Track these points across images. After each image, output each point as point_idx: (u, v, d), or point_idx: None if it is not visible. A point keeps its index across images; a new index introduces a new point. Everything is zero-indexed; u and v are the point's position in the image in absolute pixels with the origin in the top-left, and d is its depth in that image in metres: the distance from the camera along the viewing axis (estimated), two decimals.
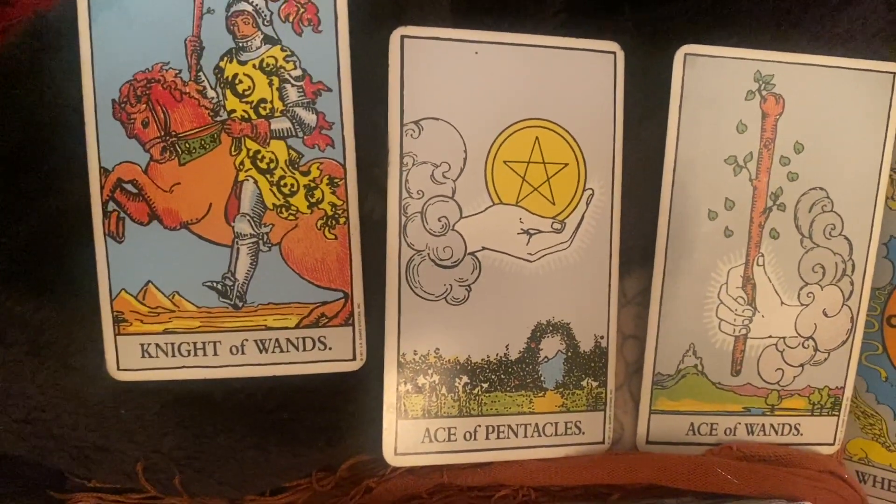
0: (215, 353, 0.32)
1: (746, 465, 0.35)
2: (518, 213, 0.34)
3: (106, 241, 0.31)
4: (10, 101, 0.31)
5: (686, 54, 0.34)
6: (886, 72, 0.36)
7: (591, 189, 0.34)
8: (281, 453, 0.33)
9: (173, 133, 0.30)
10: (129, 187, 0.31)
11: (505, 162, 0.33)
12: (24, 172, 0.32)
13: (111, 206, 0.31)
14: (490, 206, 0.33)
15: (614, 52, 0.34)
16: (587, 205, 0.34)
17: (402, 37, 0.32)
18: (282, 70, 0.30)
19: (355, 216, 0.31)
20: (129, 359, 0.31)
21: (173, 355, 0.31)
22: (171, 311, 0.31)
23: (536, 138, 0.34)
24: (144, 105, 0.30)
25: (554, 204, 0.34)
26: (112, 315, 0.31)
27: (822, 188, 0.36)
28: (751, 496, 0.34)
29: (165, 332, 0.31)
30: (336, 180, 0.31)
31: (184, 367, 0.32)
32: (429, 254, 0.33)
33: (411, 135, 0.32)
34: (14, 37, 0.31)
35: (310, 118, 0.31)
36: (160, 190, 0.31)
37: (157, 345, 0.31)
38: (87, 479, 0.34)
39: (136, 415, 0.33)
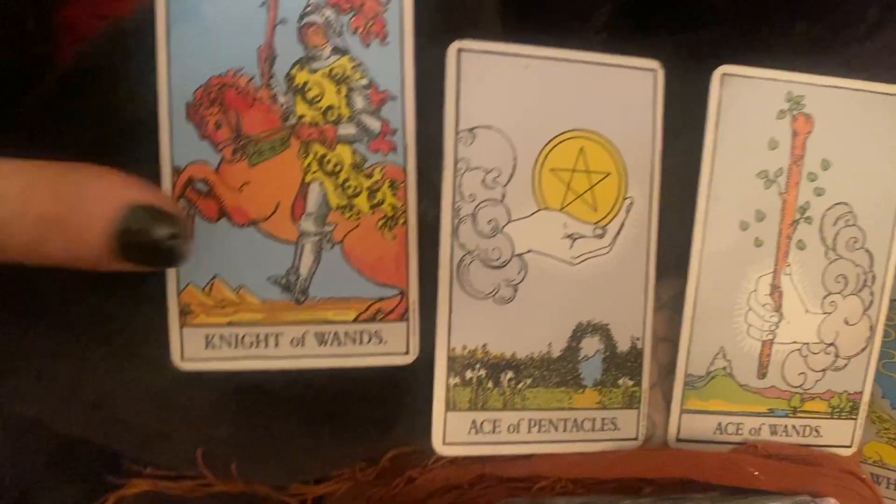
0: (276, 345, 0.33)
1: (773, 462, 0.37)
2: (563, 218, 0.36)
3: None
4: (87, 101, 0.33)
5: (723, 74, 0.37)
6: None
7: (630, 198, 0.37)
8: (333, 442, 0.35)
9: (245, 136, 0.32)
10: (200, 186, 0.33)
11: (551, 170, 0.36)
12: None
13: (182, 202, 0.33)
14: (537, 211, 0.36)
15: (655, 70, 0.37)
16: (627, 212, 0.37)
17: (459, 50, 0.34)
18: (350, 79, 0.32)
19: (413, 218, 0.33)
20: (193, 349, 0.33)
21: (236, 346, 0.33)
22: (236, 305, 0.33)
23: (581, 148, 0.36)
24: (218, 108, 0.32)
25: (596, 211, 0.36)
26: (179, 307, 0.33)
27: (846, 203, 0.38)
28: (777, 492, 0.36)
29: (230, 324, 0.33)
30: (397, 183, 0.33)
31: (246, 357, 0.33)
32: (479, 254, 0.35)
33: (465, 142, 0.35)
34: (93, 40, 0.34)
35: (374, 125, 0.33)
36: (230, 189, 0.33)
37: (222, 336, 0.33)
38: (146, 464, 0.36)
39: (195, 403, 0.35)
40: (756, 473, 0.36)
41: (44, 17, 0.36)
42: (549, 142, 0.35)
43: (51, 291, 0.33)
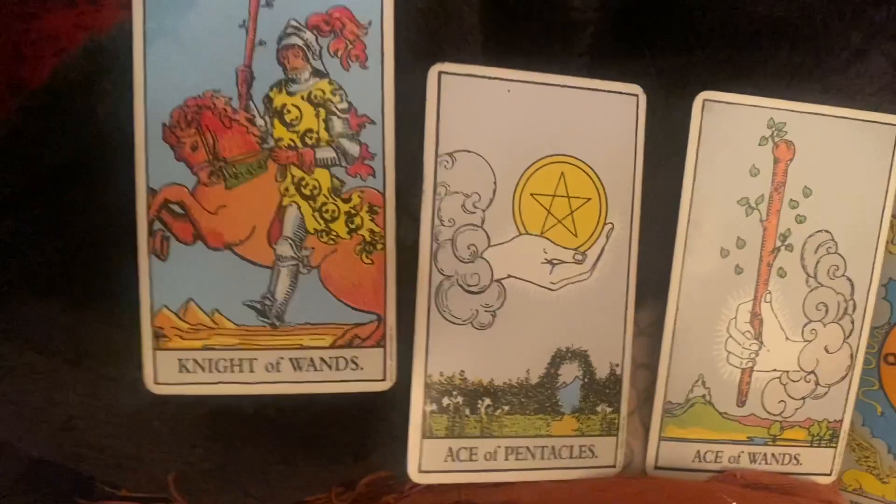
0: (251, 370, 0.33)
1: (751, 491, 0.37)
2: (543, 243, 0.36)
3: (150, 259, 0.33)
4: (62, 119, 0.33)
5: (704, 100, 0.37)
6: (889, 124, 0.38)
7: (611, 223, 0.37)
8: (308, 468, 0.35)
9: (221, 158, 0.32)
10: (175, 208, 0.32)
11: (532, 195, 0.36)
12: (70, 187, 0.34)
13: (157, 225, 0.32)
14: (517, 236, 0.36)
15: (637, 95, 0.37)
16: (607, 238, 0.37)
17: (440, 73, 0.34)
18: (329, 102, 0.32)
19: (392, 243, 0.33)
20: (166, 373, 0.33)
21: (210, 371, 0.33)
22: (210, 329, 0.33)
23: (562, 173, 0.36)
24: (194, 130, 0.32)
25: (576, 236, 0.36)
26: (152, 330, 0.33)
27: (827, 231, 0.39)
28: None
29: (204, 348, 0.33)
30: (375, 208, 0.33)
31: (220, 382, 0.33)
32: (457, 279, 0.35)
33: (445, 166, 0.34)
34: (69, 57, 0.33)
35: (353, 149, 0.33)
36: (206, 212, 0.32)
37: (196, 360, 0.33)
38: (118, 487, 0.36)
39: (168, 426, 0.34)
40: (732, 502, 0.36)
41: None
42: (530, 166, 0.35)
43: (23, 311, 0.33)
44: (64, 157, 0.33)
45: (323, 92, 0.32)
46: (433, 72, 0.34)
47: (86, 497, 0.36)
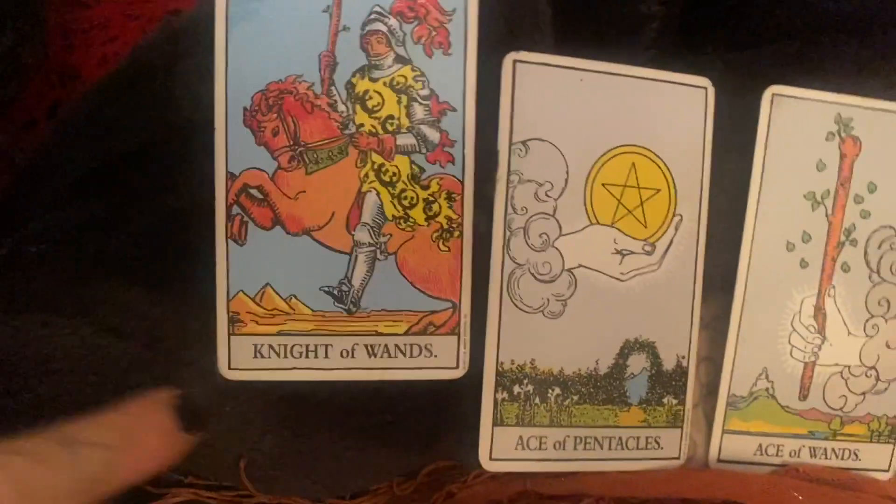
0: (326, 356, 0.34)
1: (814, 486, 0.38)
2: (613, 233, 0.36)
3: (227, 244, 0.33)
4: (141, 100, 0.33)
5: (774, 94, 0.37)
6: None
7: (680, 215, 0.37)
8: (378, 455, 0.35)
9: (302, 143, 0.33)
10: (254, 192, 0.33)
11: (603, 184, 0.36)
12: (147, 171, 0.34)
13: (235, 209, 0.33)
14: (588, 226, 0.36)
15: (706, 88, 0.37)
16: (676, 230, 0.37)
17: (515, 61, 0.35)
18: (411, 89, 0.33)
19: (469, 231, 0.34)
20: (241, 359, 0.33)
21: (285, 357, 0.33)
22: (286, 314, 0.33)
23: (633, 164, 0.36)
24: (275, 115, 0.32)
25: (646, 227, 0.37)
26: (228, 315, 0.33)
27: (891, 226, 0.39)
28: None
29: (279, 333, 0.33)
30: (454, 195, 0.33)
31: (294, 368, 0.33)
32: (529, 268, 0.35)
33: (518, 154, 0.35)
34: (150, 37, 0.34)
35: (434, 135, 0.33)
36: (285, 197, 0.33)
37: (271, 346, 0.33)
38: (187, 473, 0.36)
39: (239, 412, 0.34)
40: (799, 497, 0.36)
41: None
42: (602, 156, 0.36)
43: (99, 294, 0.33)
44: (141, 139, 0.34)
45: (405, 78, 0.33)
46: (508, 60, 0.35)
47: (153, 485, 0.36)
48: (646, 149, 0.36)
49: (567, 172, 0.35)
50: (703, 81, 0.37)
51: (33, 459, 0.22)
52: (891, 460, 0.41)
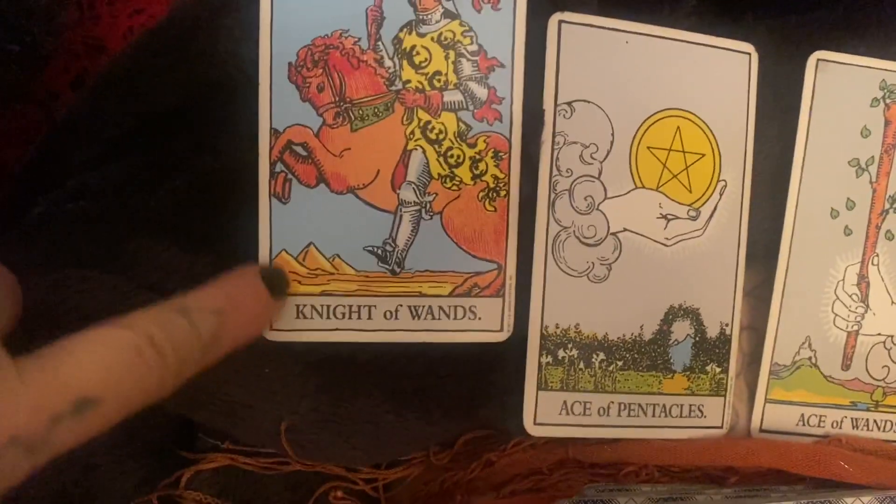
0: (370, 317, 0.33)
1: (861, 455, 0.37)
2: (658, 198, 0.36)
3: (270, 201, 0.32)
4: (185, 56, 0.33)
5: (818, 60, 0.37)
6: None
7: (724, 181, 0.37)
8: (418, 420, 0.35)
9: (348, 99, 0.32)
10: (298, 150, 0.32)
11: (648, 148, 0.36)
12: (186, 128, 0.34)
13: (279, 167, 0.32)
14: (633, 190, 0.36)
15: (749, 53, 0.37)
16: (720, 195, 0.37)
17: (560, 21, 0.34)
18: (459, 44, 0.32)
19: (515, 191, 0.33)
20: (284, 319, 0.33)
21: (328, 317, 0.33)
22: (330, 274, 0.33)
23: (678, 128, 0.36)
24: (321, 70, 0.32)
25: (691, 192, 0.36)
26: None
27: None
28: (866, 486, 0.36)
29: (323, 293, 0.33)
30: (501, 154, 0.33)
31: (337, 329, 0.33)
32: (574, 231, 0.35)
33: (563, 115, 0.35)
34: None
35: (481, 92, 0.33)
36: (330, 154, 0.32)
37: (313, 306, 0.33)
38: (225, 438, 0.35)
39: (279, 374, 0.34)
40: (846, 466, 0.36)
41: None
42: (647, 119, 0.36)
43: (141, 252, 0.33)
44: (182, 97, 0.33)
45: (453, 33, 0.32)
46: (553, 20, 0.34)
47: (189, 450, 0.36)
48: (691, 113, 0.36)
49: (612, 135, 0.35)
50: (747, 47, 0.37)
51: (157, 324, 0.24)
52: None
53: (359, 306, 0.33)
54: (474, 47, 0.32)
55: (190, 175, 0.34)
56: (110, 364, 0.22)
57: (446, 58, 0.32)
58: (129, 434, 0.36)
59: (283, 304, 0.32)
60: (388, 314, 0.33)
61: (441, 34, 0.32)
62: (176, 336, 0.24)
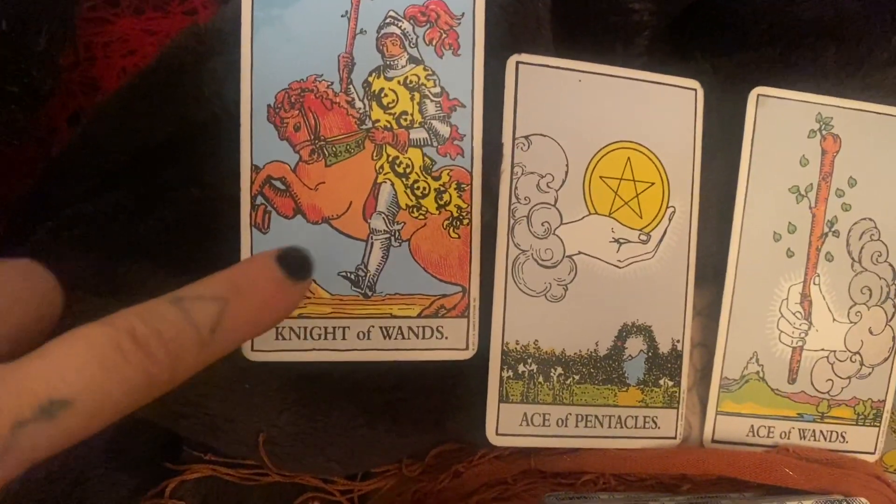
0: (344, 338, 0.37)
1: (805, 463, 0.41)
2: (610, 223, 0.40)
3: (251, 231, 0.37)
4: (172, 96, 0.37)
5: (759, 95, 0.42)
6: None
7: (673, 207, 0.41)
8: (389, 432, 0.39)
9: (322, 138, 0.36)
10: (277, 184, 0.36)
11: (601, 177, 0.40)
12: (173, 163, 0.38)
13: (259, 199, 0.36)
14: (587, 216, 0.40)
15: (695, 90, 0.41)
16: (669, 220, 0.41)
17: (518, 63, 0.39)
18: (423, 87, 0.37)
19: (477, 219, 0.38)
20: (263, 341, 0.37)
21: (305, 338, 0.37)
22: (306, 298, 0.37)
23: (628, 159, 0.41)
24: (297, 111, 0.36)
25: (641, 217, 0.41)
26: None
27: (871, 219, 0.43)
28: (810, 492, 0.40)
29: (300, 316, 0.37)
30: (463, 185, 0.37)
31: (314, 349, 0.37)
32: (532, 254, 0.39)
33: (521, 148, 0.39)
34: (178, 39, 0.38)
35: (444, 130, 0.37)
36: (306, 188, 0.37)
37: (291, 328, 0.37)
38: (207, 450, 0.39)
39: (259, 390, 0.38)
40: (791, 473, 0.40)
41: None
42: (599, 151, 0.40)
43: (127, 277, 0.37)
44: (170, 134, 0.38)
45: (418, 77, 0.37)
46: (511, 62, 0.39)
47: (171, 461, 0.40)
48: (640, 145, 0.41)
49: (567, 165, 0.39)
50: (693, 84, 0.41)
51: (140, 316, 0.22)
52: (876, 443, 0.45)
53: (333, 327, 0.37)
54: (437, 89, 0.37)
55: (177, 205, 0.38)
56: (83, 363, 0.21)
57: (412, 99, 0.37)
58: (118, 447, 0.40)
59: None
60: (360, 335, 0.37)
61: (407, 78, 0.37)
62: (165, 328, 0.23)
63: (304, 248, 0.29)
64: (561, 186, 0.39)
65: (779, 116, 0.42)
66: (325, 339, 0.37)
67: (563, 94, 0.39)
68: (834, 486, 0.41)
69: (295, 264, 0.28)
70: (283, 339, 0.37)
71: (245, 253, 0.36)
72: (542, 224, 0.39)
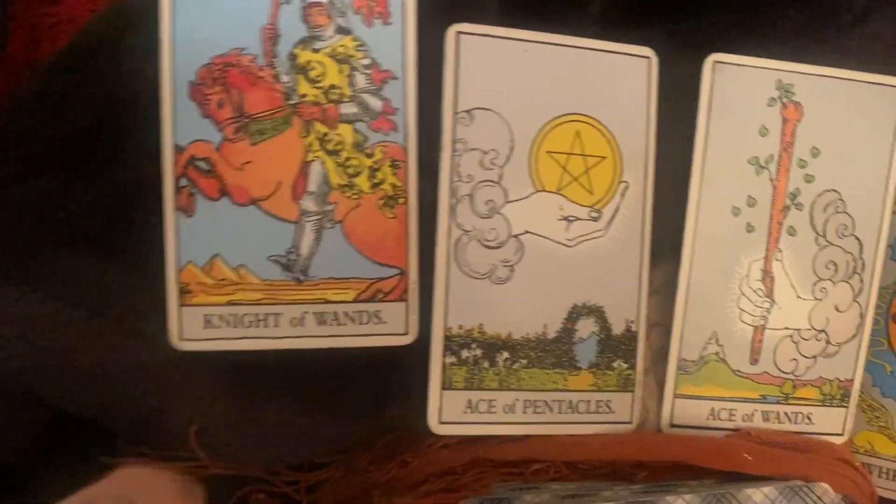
0: (276, 325, 0.36)
1: (767, 448, 0.40)
2: (559, 200, 0.39)
3: (176, 215, 0.35)
4: (89, 76, 0.36)
5: (715, 62, 0.40)
6: (894, 86, 0.42)
7: (626, 182, 0.40)
8: (328, 422, 0.38)
9: (247, 114, 0.35)
10: (201, 164, 0.35)
11: (548, 152, 0.39)
12: (94, 143, 0.37)
13: (183, 181, 0.35)
14: (533, 193, 0.38)
15: (649, 57, 0.40)
16: (622, 196, 0.40)
17: (458, 32, 0.37)
18: (352, 59, 0.35)
19: (414, 197, 0.36)
20: (192, 329, 0.36)
21: (235, 326, 0.36)
22: (235, 284, 0.36)
23: (577, 132, 0.39)
24: (220, 87, 0.35)
25: (592, 194, 0.39)
26: (178, 286, 0.35)
27: (835, 190, 0.42)
28: (770, 477, 0.39)
29: (230, 303, 0.36)
30: (398, 163, 0.36)
31: (245, 337, 0.36)
32: (476, 235, 0.38)
33: (463, 123, 0.37)
34: (98, 13, 0.36)
35: (376, 104, 0.36)
36: (232, 168, 0.35)
37: (221, 316, 0.36)
38: (141, 442, 0.38)
39: (190, 380, 0.37)
40: (749, 458, 0.39)
41: None
42: (546, 125, 0.38)
43: (48, 264, 0.35)
44: (91, 115, 0.36)
45: (346, 48, 0.35)
46: (451, 32, 0.37)
47: (108, 454, 0.39)
48: (590, 117, 0.39)
49: (512, 140, 0.38)
50: (647, 51, 0.40)
51: None
52: (844, 424, 0.44)
53: (265, 314, 0.36)
54: (367, 61, 0.35)
55: (103, 190, 0.36)
56: None
57: (340, 72, 0.35)
58: (51, 441, 0.39)
59: None
60: (294, 321, 0.36)
61: (335, 49, 0.35)
62: None
63: None
64: (506, 163, 0.38)
65: (736, 84, 0.40)
66: (257, 326, 0.36)
67: (507, 65, 0.38)
68: (796, 470, 0.39)
69: None
70: (213, 326, 0.35)
71: (170, 237, 0.35)
72: (486, 203, 0.38)
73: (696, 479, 0.41)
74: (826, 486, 0.38)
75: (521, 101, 0.38)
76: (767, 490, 0.38)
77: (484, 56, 0.37)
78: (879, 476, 0.45)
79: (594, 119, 0.39)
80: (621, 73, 0.39)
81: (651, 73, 0.40)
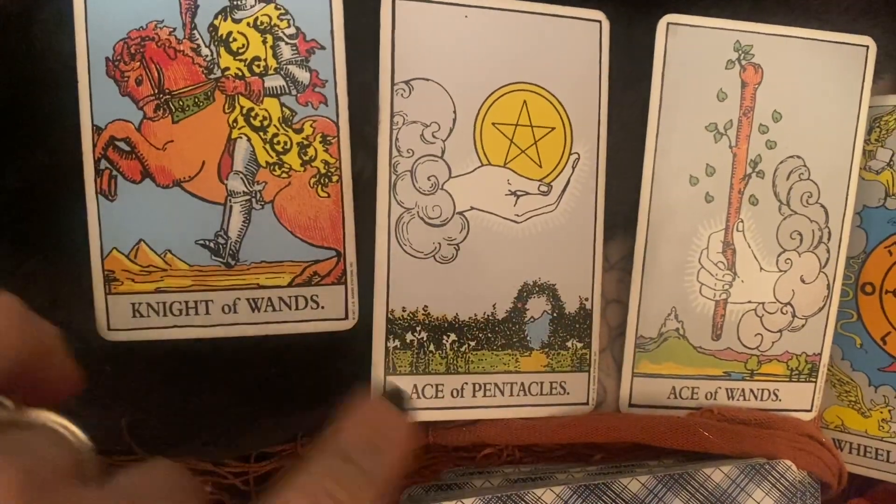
0: (207, 312, 0.34)
1: (727, 425, 0.39)
2: (506, 174, 0.37)
3: (98, 200, 0.34)
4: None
5: (668, 23, 0.38)
6: (860, 45, 0.40)
7: (576, 153, 0.38)
8: (269, 412, 0.36)
9: (167, 91, 0.33)
10: (121, 145, 0.33)
11: (493, 124, 0.37)
12: (11, 126, 0.35)
13: (103, 164, 0.33)
14: (479, 167, 0.37)
15: (600, 21, 0.38)
16: (573, 168, 0.38)
17: None
18: (275, 28, 0.33)
19: (348, 174, 0.35)
20: (119, 318, 0.34)
21: (164, 315, 0.34)
22: (162, 270, 0.34)
23: (524, 102, 0.37)
24: (138, 63, 0.33)
25: (541, 167, 0.38)
26: (103, 274, 0.34)
27: (799, 156, 0.40)
28: (731, 455, 0.38)
29: (157, 290, 0.34)
30: (329, 138, 0.34)
31: (175, 326, 0.34)
32: (418, 212, 0.36)
33: (401, 94, 0.36)
34: None
35: (303, 76, 0.34)
36: (153, 148, 0.33)
37: (149, 304, 0.34)
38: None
39: (121, 372, 0.35)
40: (708, 435, 0.38)
41: None
42: (491, 95, 0.37)
43: None
44: (7, 95, 0.34)
45: (269, 17, 0.33)
46: None
47: None
48: (538, 86, 0.37)
49: (454, 112, 0.36)
50: (598, 15, 0.38)
51: (338, 478, 0.21)
52: (813, 399, 0.42)
53: (195, 301, 0.34)
54: (292, 30, 0.33)
55: (23, 173, 0.35)
56: None
57: (264, 42, 0.33)
58: None
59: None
60: (226, 308, 0.34)
61: (257, 19, 0.33)
62: (356, 489, 0.21)
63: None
64: (448, 136, 0.36)
65: (692, 46, 0.38)
66: (187, 314, 0.34)
67: (448, 32, 0.36)
68: (758, 448, 0.38)
69: (397, 397, 0.26)
70: (141, 315, 0.34)
71: (92, 223, 0.34)
72: (429, 178, 0.36)
73: (656, 460, 0.39)
74: (789, 462, 0.37)
75: (464, 70, 0.36)
76: (728, 469, 0.36)
77: (422, 23, 0.36)
78: (850, 452, 0.44)
79: (542, 87, 0.37)
80: (570, 39, 0.38)
81: (602, 38, 0.38)
